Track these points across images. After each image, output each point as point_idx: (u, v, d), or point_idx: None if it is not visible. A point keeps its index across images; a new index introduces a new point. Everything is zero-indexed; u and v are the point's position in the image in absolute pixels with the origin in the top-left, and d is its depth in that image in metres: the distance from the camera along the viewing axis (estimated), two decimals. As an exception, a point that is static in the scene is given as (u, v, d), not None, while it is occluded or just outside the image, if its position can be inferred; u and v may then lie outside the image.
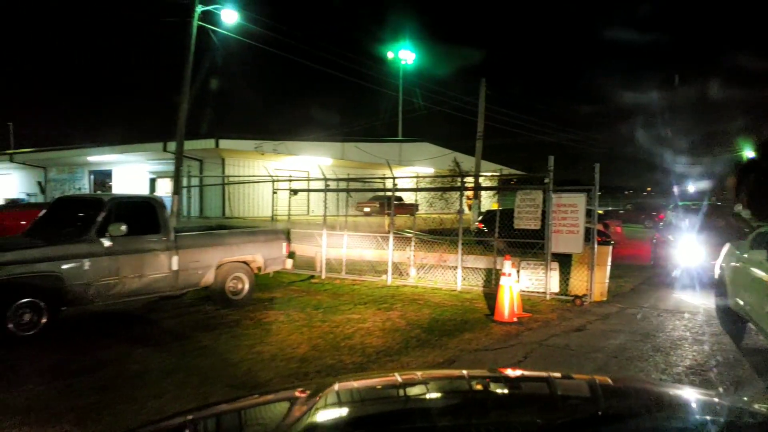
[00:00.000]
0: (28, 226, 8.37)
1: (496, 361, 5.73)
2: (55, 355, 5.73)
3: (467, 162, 26.92)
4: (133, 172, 29.03)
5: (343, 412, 1.79)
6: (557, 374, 2.63)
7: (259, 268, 8.81)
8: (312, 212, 22.42)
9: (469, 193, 20.34)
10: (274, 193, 12.41)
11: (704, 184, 30.73)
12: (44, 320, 6.41)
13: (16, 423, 4.09)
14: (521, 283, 8.48)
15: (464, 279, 9.64)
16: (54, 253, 6.59)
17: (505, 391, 2.02)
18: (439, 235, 11.98)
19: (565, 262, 8.74)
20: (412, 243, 10.37)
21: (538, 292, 8.68)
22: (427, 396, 1.93)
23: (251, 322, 7.33)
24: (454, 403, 1.85)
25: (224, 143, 23.45)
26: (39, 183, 30.77)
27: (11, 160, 33.87)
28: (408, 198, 23.27)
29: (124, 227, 7.02)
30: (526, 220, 8.80)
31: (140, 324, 7.25)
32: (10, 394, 4.63)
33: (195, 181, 21.53)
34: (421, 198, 11.49)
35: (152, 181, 28.73)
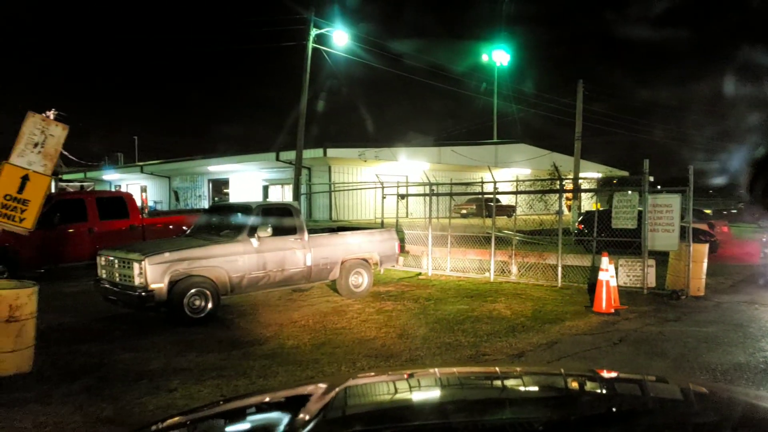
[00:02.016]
0: (189, 228, 10.14)
1: (594, 343, 6.41)
2: (225, 333, 7.19)
3: (565, 162, 26.80)
4: (247, 180, 31.81)
5: (357, 407, 1.81)
6: (572, 370, 2.72)
7: (375, 265, 9.99)
8: (410, 214, 23.59)
9: (569, 194, 20.47)
10: (384, 198, 13.64)
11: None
12: (210, 306, 7.93)
13: (214, 376, 5.45)
14: (619, 278, 8.97)
15: (564, 276, 10.21)
16: (217, 251, 8.12)
17: (520, 387, 2.02)
18: (538, 236, 12.56)
19: (662, 259, 9.13)
20: (514, 242, 11.09)
21: (635, 287, 9.13)
22: (441, 392, 1.97)
23: (373, 309, 8.48)
24: (467, 399, 1.86)
25: (331, 152, 25.27)
26: (174, 192, 34.46)
27: (141, 171, 38.35)
28: (505, 199, 23.78)
29: (269, 229, 8.45)
30: (623, 220, 9.29)
31: (282, 310, 8.63)
32: (204, 358, 6.05)
33: (305, 188, 23.47)
34: (521, 200, 12.09)
35: (265, 188, 31.32)
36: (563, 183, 12.80)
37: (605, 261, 7.97)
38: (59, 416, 4.24)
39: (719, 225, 15.86)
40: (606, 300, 7.72)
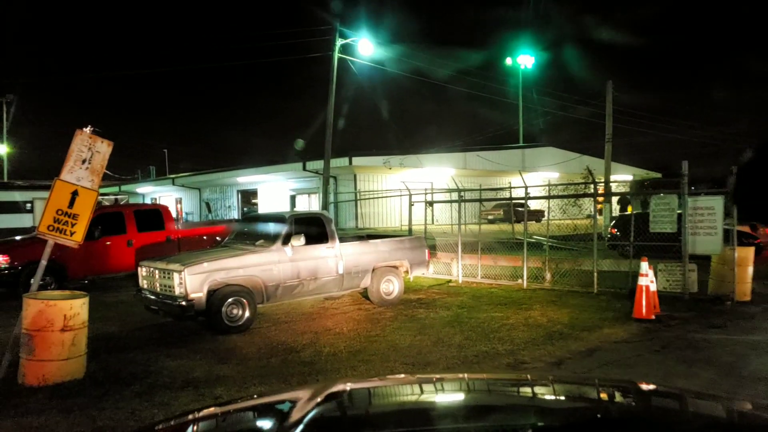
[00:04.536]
0: (225, 238, 10.36)
1: (636, 351, 6.32)
2: (263, 341, 7.31)
3: (595, 165, 26.47)
4: (275, 190, 32.22)
5: (342, 413, 1.82)
6: (558, 377, 2.71)
7: (406, 272, 10.04)
8: (436, 221, 23.60)
9: (599, 198, 20.19)
10: (411, 205, 13.69)
11: None
12: (247, 314, 8.07)
13: (257, 384, 5.56)
14: (658, 283, 8.81)
15: (600, 282, 10.09)
16: (253, 260, 8.28)
17: (505, 393, 2.03)
18: (571, 241, 12.43)
19: (703, 263, 8.94)
20: (546, 248, 11.02)
21: (675, 292, 8.96)
22: (427, 398, 1.97)
23: (406, 317, 8.52)
24: (453, 406, 1.86)
25: (356, 160, 25.45)
26: (206, 203, 35.10)
27: (173, 183, 39.17)
28: (533, 204, 23.57)
29: (302, 238, 8.59)
30: (661, 223, 9.13)
31: (316, 318, 8.73)
32: (245, 366, 6.16)
33: (332, 197, 23.68)
34: (554, 204, 12.02)
35: (292, 198, 31.68)
36: (597, 186, 12.65)
37: (645, 266, 7.86)
38: (115, 421, 4.40)
39: (762, 227, 15.47)
40: (646, 306, 7.60)
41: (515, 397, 1.97)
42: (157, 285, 7.94)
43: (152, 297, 8.10)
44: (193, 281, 7.47)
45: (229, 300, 7.85)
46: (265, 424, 1.76)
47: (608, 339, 6.83)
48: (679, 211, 9.05)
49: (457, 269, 11.96)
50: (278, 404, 1.89)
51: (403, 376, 3.38)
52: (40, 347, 5.10)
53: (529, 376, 3.08)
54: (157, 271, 7.97)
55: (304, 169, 26.79)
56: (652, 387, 2.14)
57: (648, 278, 7.71)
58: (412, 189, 14.05)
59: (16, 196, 31.85)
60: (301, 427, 1.48)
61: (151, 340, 7.33)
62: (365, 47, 17.85)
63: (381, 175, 27.11)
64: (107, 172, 6.53)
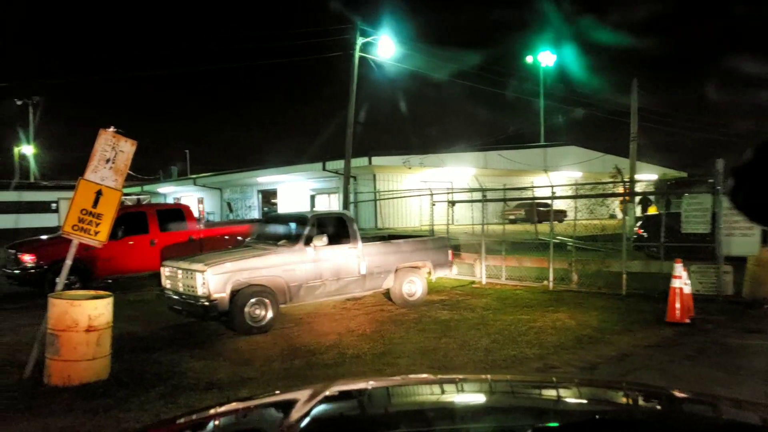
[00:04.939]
0: (247, 238, 10.34)
1: (669, 357, 6.09)
2: (286, 342, 7.24)
3: (618, 163, 25.94)
4: (295, 190, 32.31)
5: (340, 414, 1.83)
6: (555, 378, 2.66)
7: (428, 273, 9.89)
8: (456, 221, 23.36)
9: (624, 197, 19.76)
10: (433, 205, 13.54)
11: None
12: (270, 315, 8.01)
13: (281, 386, 5.47)
14: (691, 286, 8.52)
15: (628, 283, 9.81)
16: (276, 260, 8.22)
17: (502, 395, 2.02)
18: (596, 242, 12.14)
19: (739, 265, 8.61)
20: (572, 249, 10.76)
21: (709, 295, 8.65)
22: (424, 399, 1.98)
23: (430, 319, 8.38)
24: (449, 407, 1.86)
25: (376, 160, 25.36)
26: (228, 203, 35.40)
27: (195, 184, 39.54)
28: (556, 204, 23.14)
29: (325, 238, 8.51)
30: (694, 224, 8.83)
31: (338, 319, 8.63)
32: (269, 368, 6.09)
33: (352, 197, 23.59)
34: (580, 204, 11.73)
35: (312, 198, 31.73)
36: (627, 187, 12.36)
37: (679, 267, 7.59)
38: (141, 422, 4.35)
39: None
40: (680, 309, 7.34)
41: (517, 398, 1.97)
42: (180, 285, 7.93)
43: (175, 297, 8.10)
44: (216, 281, 7.44)
45: (252, 300, 7.80)
46: (265, 424, 1.77)
47: (641, 343, 6.61)
48: (714, 211, 8.72)
49: (480, 270, 11.77)
50: (278, 404, 1.90)
51: (404, 377, 3.33)
52: (65, 347, 5.09)
53: (531, 378, 3.00)
54: (180, 272, 7.96)
55: (324, 169, 26.79)
56: (678, 392, 2.07)
57: (682, 280, 7.45)
58: (433, 189, 13.89)
59: (42, 196, 32.52)
60: (300, 426, 1.48)
61: (174, 341, 7.31)
62: (386, 45, 17.72)
63: (400, 175, 26.96)
64: (130, 172, 6.52)
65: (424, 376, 3.17)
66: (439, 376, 2.94)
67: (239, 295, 7.65)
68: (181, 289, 7.91)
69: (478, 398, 2.00)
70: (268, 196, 35.97)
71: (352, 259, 8.89)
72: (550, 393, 2.05)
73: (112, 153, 6.10)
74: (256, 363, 6.28)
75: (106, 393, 5.02)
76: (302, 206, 30.45)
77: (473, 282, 11.83)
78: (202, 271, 7.43)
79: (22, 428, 4.39)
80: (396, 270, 9.37)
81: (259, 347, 6.99)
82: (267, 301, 7.95)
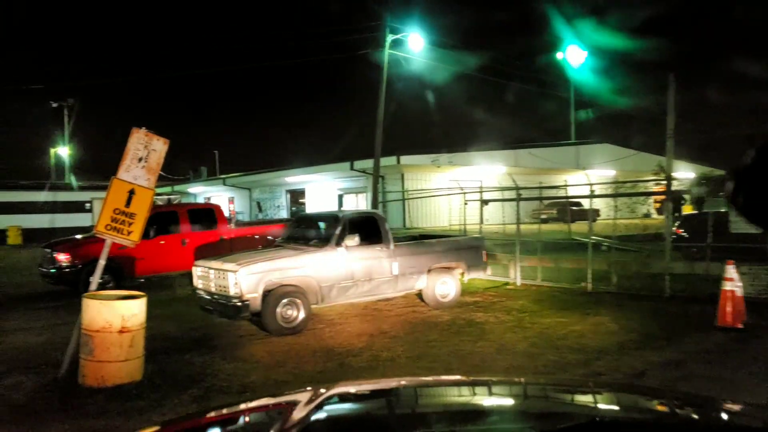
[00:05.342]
0: (276, 238, 10.27)
1: (723, 364, 5.74)
2: (318, 343, 7.10)
3: (653, 162, 25.20)
4: (322, 189, 32.35)
5: (339, 416, 1.82)
6: (558, 381, 2.58)
7: (462, 274, 9.64)
8: (486, 220, 23.01)
9: (657, 196, 19.16)
10: (465, 204, 13.28)
11: None
12: (301, 315, 7.89)
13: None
14: (742, 288, 8.09)
15: (671, 285, 9.40)
16: (307, 261, 8.10)
17: (504, 397, 2.00)
18: (632, 242, 11.74)
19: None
20: (610, 249, 10.38)
21: (762, 299, 8.19)
22: (425, 402, 1.97)
23: (464, 321, 8.15)
24: (450, 410, 1.86)
25: (404, 159, 25.14)
26: (257, 203, 35.69)
27: (224, 184, 39.97)
28: (588, 203, 22.60)
29: (357, 238, 8.36)
30: (745, 223, 8.36)
31: (370, 320, 8.47)
32: (302, 371, 5.95)
33: (380, 196, 23.42)
34: (620, 203, 11.38)
35: (339, 197, 31.72)
36: (671, 185, 11.90)
37: (731, 269, 7.19)
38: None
39: None
40: (732, 313, 6.94)
41: (522, 400, 1.94)
42: (212, 285, 7.87)
43: (207, 297, 8.05)
44: (248, 282, 7.36)
45: (284, 301, 7.70)
46: (266, 425, 1.76)
47: (690, 349, 6.25)
48: None
49: (514, 271, 11.46)
50: (279, 405, 1.90)
51: (406, 379, 3.28)
52: (99, 348, 5.04)
53: (535, 380, 2.95)
54: (212, 272, 7.90)
55: (352, 168, 26.71)
56: (705, 398, 2.07)
57: (734, 282, 7.05)
58: (455, 188, 13.61)
59: (76, 196, 33.31)
60: (301, 428, 1.48)
61: (206, 341, 7.26)
62: (416, 42, 17.49)
63: (429, 174, 26.69)
64: (161, 172, 6.47)
65: (426, 378, 3.13)
66: (441, 378, 2.93)
67: (271, 295, 7.56)
68: (213, 289, 7.86)
69: (480, 400, 1.96)
70: (297, 195, 36.10)
71: (384, 260, 8.71)
72: (555, 396, 2.00)
73: (144, 152, 6.05)
74: (288, 365, 6.16)
75: (140, 395, 4.95)
76: (330, 206, 30.43)
77: (507, 283, 11.53)
78: (235, 271, 7.35)
79: (57, 429, 4.35)
80: (429, 271, 9.16)
81: (291, 349, 6.88)
82: (299, 301, 7.84)
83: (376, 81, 17.92)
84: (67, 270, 10.81)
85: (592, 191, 10.84)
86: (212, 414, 1.97)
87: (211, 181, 41.88)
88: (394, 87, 21.97)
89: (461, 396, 2.04)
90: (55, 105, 39.05)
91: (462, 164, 26.42)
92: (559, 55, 37.34)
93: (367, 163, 24.56)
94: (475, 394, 2.06)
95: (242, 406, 2.02)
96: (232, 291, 7.39)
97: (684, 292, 9.25)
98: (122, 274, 10.76)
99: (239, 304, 7.31)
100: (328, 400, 1.77)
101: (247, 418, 1.85)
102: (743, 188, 1.27)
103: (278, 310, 7.62)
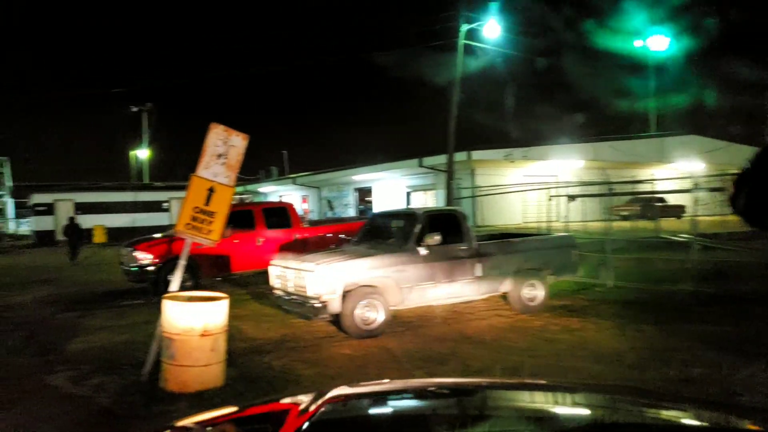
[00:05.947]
0: (349, 236, 9.98)
1: None
2: (399, 348, 6.69)
3: (747, 153, 23.03)
4: (390, 187, 32.08)
5: (342, 419, 1.83)
6: (558, 383, 2.56)
7: (551, 275, 8.93)
8: (564, 218, 21.84)
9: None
10: (549, 199, 12.47)
11: None
12: (381, 318, 7.50)
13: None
14: None
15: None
16: (386, 261, 7.70)
17: (506, 400, 1.98)
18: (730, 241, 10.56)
19: None
20: (718, 248, 9.32)
21: None
22: (427, 405, 1.96)
23: (557, 328, 7.48)
24: (450, 413, 1.85)
25: (476, 154, 24.34)
26: (328, 201, 36.03)
27: (294, 183, 40.63)
28: (672, 199, 20.97)
29: (438, 237, 7.85)
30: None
31: (452, 324, 7.95)
32: (386, 378, 5.56)
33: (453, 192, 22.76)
34: (711, 198, 10.30)
35: (408, 195, 31.31)
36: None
37: None
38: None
39: None
40: None
41: (524, 405, 1.91)
42: (290, 285, 7.65)
43: (285, 297, 7.85)
44: (327, 282, 7.06)
45: (363, 302, 7.36)
46: (266, 426, 1.76)
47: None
48: None
49: (605, 272, 10.57)
50: (279, 408, 1.90)
51: (407, 380, 3.23)
52: (180, 352, 4.85)
53: (541, 382, 2.77)
54: (289, 271, 7.68)
55: (420, 165, 26.18)
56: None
57: None
58: (536, 183, 12.79)
59: (155, 196, 34.88)
60: (301, 429, 1.48)
61: (284, 343, 7.02)
62: (492, 29, 16.70)
63: (502, 169, 25.71)
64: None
65: (427, 380, 3.13)
66: (442, 380, 2.96)
67: (350, 296, 7.23)
68: (290, 289, 7.63)
69: (482, 403, 1.94)
70: (364, 193, 36.07)
71: (466, 260, 8.18)
72: (554, 400, 1.96)
73: (223, 148, 5.84)
74: (370, 371, 5.80)
75: (223, 402, 4.70)
76: (397, 204, 30.10)
77: (596, 285, 10.67)
78: (313, 271, 7.08)
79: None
80: (514, 272, 8.53)
81: (370, 353, 6.52)
82: (377, 303, 7.48)
83: (443, 76, 17.36)
84: (147, 268, 10.99)
85: (695, 185, 9.77)
86: (213, 415, 1.94)
87: (281, 181, 42.69)
88: (465, 82, 21.25)
89: (465, 399, 2.02)
90: (135, 109, 41.12)
91: (536, 159, 25.28)
92: (637, 43, 35.21)
93: (436, 160, 23.95)
94: (476, 396, 2.04)
95: (242, 408, 2.03)
96: (310, 291, 7.12)
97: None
98: (200, 273, 10.82)
99: (318, 304, 7.03)
100: (328, 402, 1.77)
101: (247, 420, 1.85)
102: (743, 191, 1.31)
103: (357, 311, 7.29)
